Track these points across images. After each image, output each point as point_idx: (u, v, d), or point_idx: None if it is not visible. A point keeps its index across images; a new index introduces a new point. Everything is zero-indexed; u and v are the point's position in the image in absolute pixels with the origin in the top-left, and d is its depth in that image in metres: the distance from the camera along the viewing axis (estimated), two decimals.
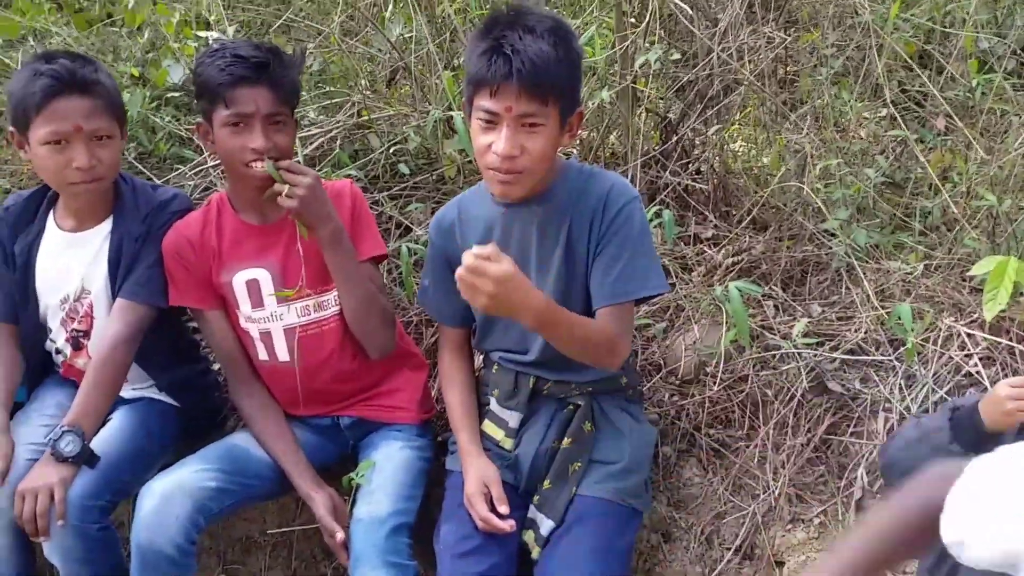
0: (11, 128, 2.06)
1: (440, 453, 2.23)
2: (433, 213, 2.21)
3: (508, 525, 1.92)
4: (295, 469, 2.09)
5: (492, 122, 1.77)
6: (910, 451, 1.56)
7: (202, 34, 2.85)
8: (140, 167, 2.84)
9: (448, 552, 1.93)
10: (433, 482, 2.17)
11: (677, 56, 2.59)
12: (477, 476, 1.98)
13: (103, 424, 2.11)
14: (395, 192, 2.85)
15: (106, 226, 2.15)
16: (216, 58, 1.96)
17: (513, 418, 2.04)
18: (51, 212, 2.19)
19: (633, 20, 2.75)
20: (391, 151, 2.88)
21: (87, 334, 2.19)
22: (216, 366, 2.47)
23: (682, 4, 2.58)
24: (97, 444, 2.02)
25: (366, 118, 2.88)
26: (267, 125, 1.98)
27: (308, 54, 3.15)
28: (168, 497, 1.93)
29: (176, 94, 3.02)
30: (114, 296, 2.12)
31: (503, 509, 1.94)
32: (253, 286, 2.10)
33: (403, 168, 2.78)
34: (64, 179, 2.03)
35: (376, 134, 2.91)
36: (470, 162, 2.74)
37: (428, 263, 2.13)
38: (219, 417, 2.44)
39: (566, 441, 1.99)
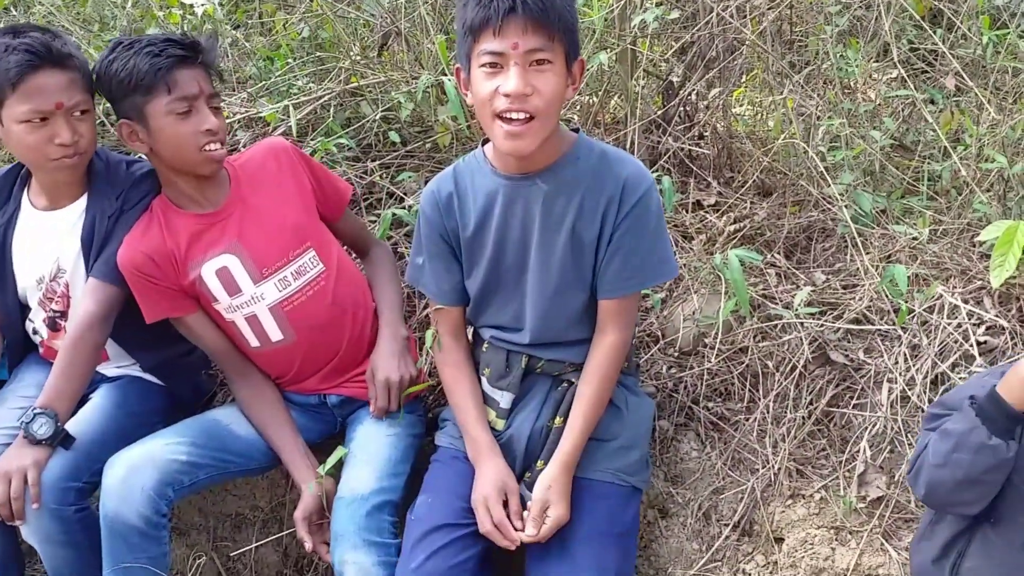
0: None
1: (430, 428, 2.18)
2: (427, 183, 2.07)
3: (516, 541, 1.83)
4: (291, 460, 2.07)
5: (497, 64, 1.67)
6: (951, 465, 1.51)
7: (186, 1, 2.78)
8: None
9: (419, 524, 1.87)
10: (424, 458, 2.11)
11: (676, 15, 2.49)
12: (497, 478, 1.88)
13: (85, 402, 2.07)
14: (387, 161, 2.78)
15: (80, 204, 2.08)
16: (139, 48, 1.89)
17: (505, 398, 1.97)
18: (25, 190, 2.12)
19: None
20: (384, 119, 2.80)
21: (64, 315, 2.13)
22: None
23: None
24: (76, 424, 1.99)
25: (355, 84, 2.80)
26: (210, 106, 1.95)
27: (299, 20, 3.08)
28: (134, 468, 1.91)
29: None
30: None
31: (518, 526, 1.84)
32: (224, 274, 2.04)
33: (393, 136, 2.70)
34: (45, 155, 1.96)
35: (368, 101, 2.83)
36: (468, 127, 2.65)
37: (422, 240, 1.97)
38: (206, 395, 2.39)
39: (560, 420, 1.92)
